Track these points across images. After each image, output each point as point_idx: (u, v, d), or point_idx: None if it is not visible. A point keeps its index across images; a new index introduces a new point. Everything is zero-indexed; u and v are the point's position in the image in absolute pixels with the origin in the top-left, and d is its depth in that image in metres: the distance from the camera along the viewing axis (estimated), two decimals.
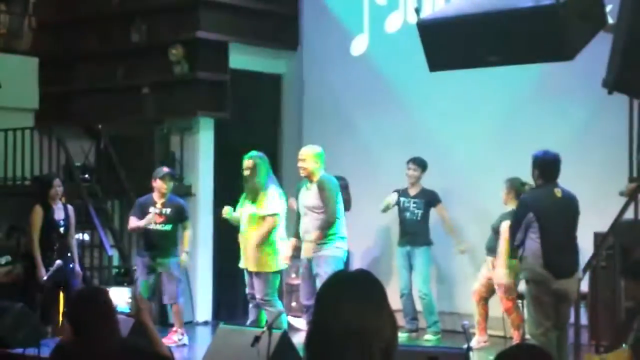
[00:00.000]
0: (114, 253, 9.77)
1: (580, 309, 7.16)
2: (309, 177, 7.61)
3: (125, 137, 10.31)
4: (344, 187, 8.60)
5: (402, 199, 8.96)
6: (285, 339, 6.38)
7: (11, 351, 7.17)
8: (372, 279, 2.22)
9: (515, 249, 6.63)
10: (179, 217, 8.57)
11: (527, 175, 8.52)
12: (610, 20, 5.22)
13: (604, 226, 7.08)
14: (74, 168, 10.09)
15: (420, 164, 8.96)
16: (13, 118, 10.60)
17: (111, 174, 10.10)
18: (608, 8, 5.27)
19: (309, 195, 7.60)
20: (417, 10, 5.48)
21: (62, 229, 8.40)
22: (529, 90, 8.84)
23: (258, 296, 7.60)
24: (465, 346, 5.77)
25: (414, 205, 8.90)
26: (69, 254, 8.43)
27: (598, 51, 5.18)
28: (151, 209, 8.46)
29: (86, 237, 9.47)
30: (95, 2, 11.04)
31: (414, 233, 8.86)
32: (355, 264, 9.28)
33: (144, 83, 10.43)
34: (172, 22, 10.41)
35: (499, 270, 7.81)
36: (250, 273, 7.75)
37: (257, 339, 5.63)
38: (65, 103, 11.36)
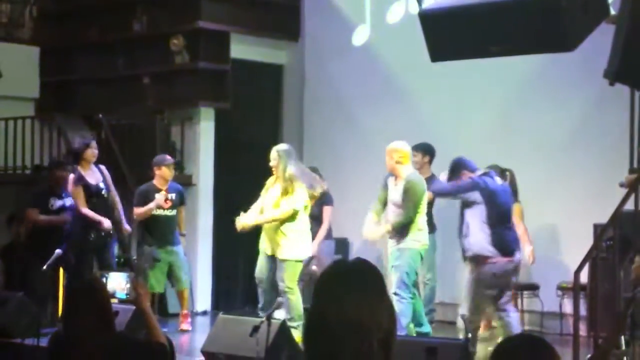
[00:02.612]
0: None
1: (580, 300, 7.16)
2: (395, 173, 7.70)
3: (126, 126, 10.31)
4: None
5: None
6: (284, 329, 6.39)
7: (11, 340, 7.17)
8: (370, 268, 2.19)
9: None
10: (180, 202, 8.73)
11: (527, 165, 8.54)
12: (613, 11, 5.20)
13: (603, 217, 7.07)
14: None
15: (423, 149, 8.76)
16: (14, 107, 10.61)
17: (112, 164, 10.10)
18: None
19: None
20: (419, 1, 5.45)
21: (103, 192, 8.45)
22: (531, 81, 8.83)
23: (280, 284, 7.58)
24: (462, 337, 5.79)
25: None
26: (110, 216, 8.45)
27: (600, 42, 5.17)
28: (157, 195, 8.52)
29: None
30: None
31: None
32: (357, 255, 9.28)
33: (144, 73, 10.43)
34: (173, 12, 10.39)
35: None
36: (269, 257, 7.67)
37: (255, 328, 5.64)
38: (66, 92, 11.35)
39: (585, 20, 4.90)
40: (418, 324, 7.76)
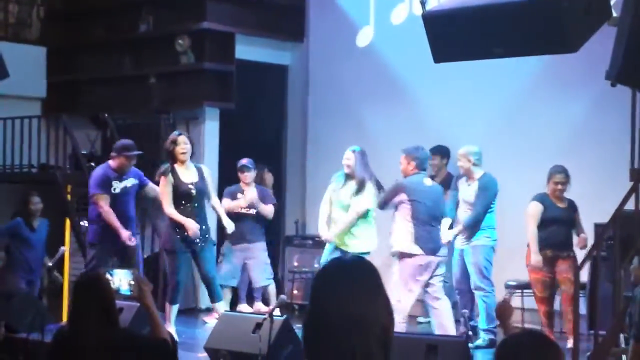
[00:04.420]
0: None
1: (580, 298, 7.21)
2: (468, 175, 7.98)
3: (132, 126, 10.36)
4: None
5: None
6: (286, 326, 6.43)
7: (16, 336, 7.22)
8: (367, 265, 2.21)
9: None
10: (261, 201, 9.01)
11: (529, 165, 8.58)
12: (615, 13, 5.25)
13: (604, 217, 7.12)
14: (80, 156, 10.15)
15: (438, 152, 8.93)
16: (21, 106, 10.68)
17: None
18: (612, 0, 5.30)
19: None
20: (423, 2, 5.50)
21: (193, 192, 7.82)
22: (533, 82, 8.88)
23: None
24: (464, 334, 5.83)
25: None
26: (200, 222, 7.87)
27: (602, 43, 5.21)
28: (239, 196, 9.01)
29: None
30: None
31: None
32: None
33: (150, 73, 10.49)
34: (179, 13, 10.46)
35: (534, 257, 7.62)
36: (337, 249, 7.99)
37: (258, 325, 5.68)
38: (72, 92, 11.43)
39: (588, 22, 4.94)
40: None
